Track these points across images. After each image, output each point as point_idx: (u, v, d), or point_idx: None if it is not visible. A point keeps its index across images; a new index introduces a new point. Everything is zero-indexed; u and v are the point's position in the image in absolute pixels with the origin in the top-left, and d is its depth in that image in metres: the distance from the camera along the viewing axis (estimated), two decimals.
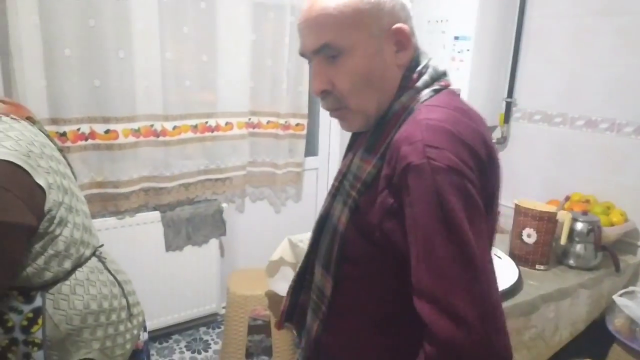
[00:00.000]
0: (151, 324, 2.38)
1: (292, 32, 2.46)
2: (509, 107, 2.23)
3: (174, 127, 2.23)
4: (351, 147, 0.94)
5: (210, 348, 2.47)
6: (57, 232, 0.97)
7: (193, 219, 2.38)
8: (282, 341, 2.23)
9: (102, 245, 1.16)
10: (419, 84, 0.81)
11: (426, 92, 0.80)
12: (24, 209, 0.88)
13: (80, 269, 1.04)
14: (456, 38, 2.14)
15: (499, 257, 1.69)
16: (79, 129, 1.99)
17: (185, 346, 2.46)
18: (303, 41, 0.83)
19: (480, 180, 0.71)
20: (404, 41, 0.81)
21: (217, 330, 2.62)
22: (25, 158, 0.89)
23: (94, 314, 1.04)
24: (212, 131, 2.39)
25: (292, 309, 1.02)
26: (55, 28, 1.86)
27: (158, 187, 2.25)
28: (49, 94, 1.93)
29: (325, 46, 0.79)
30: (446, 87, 0.83)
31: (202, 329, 2.61)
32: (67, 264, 1.00)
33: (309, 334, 0.91)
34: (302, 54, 0.85)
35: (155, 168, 2.22)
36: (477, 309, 0.66)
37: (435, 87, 0.81)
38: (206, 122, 2.36)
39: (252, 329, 2.38)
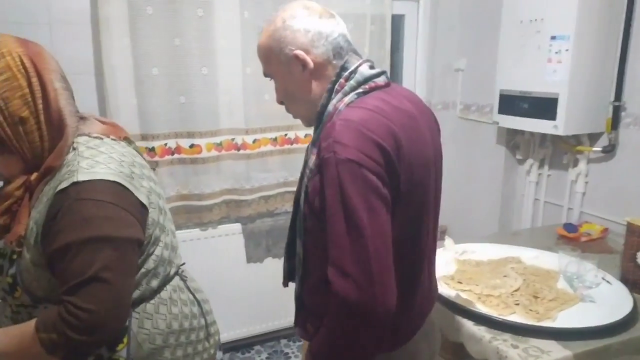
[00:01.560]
0: (234, 334, 2.41)
1: (372, 41, 2.40)
2: (617, 111, 1.98)
3: (254, 141, 2.25)
4: None
5: None
6: (151, 250, 0.98)
7: (272, 231, 2.39)
8: None
9: (183, 264, 1.17)
10: (346, 88, 0.98)
11: (351, 96, 0.97)
12: (137, 225, 0.91)
13: (164, 288, 1.04)
14: (553, 38, 1.95)
15: (608, 282, 1.49)
16: (166, 144, 2.08)
17: (267, 358, 2.47)
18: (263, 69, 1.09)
19: (387, 169, 0.89)
20: (303, 62, 0.99)
21: (298, 343, 2.59)
22: (129, 179, 0.92)
23: (175, 333, 1.04)
24: (291, 144, 2.38)
25: (292, 272, 1.18)
26: (144, 48, 1.96)
27: (239, 199, 2.28)
28: (139, 111, 2.03)
29: (265, 72, 1.08)
30: (373, 88, 0.99)
31: (283, 342, 2.60)
32: (154, 283, 1.01)
33: (295, 292, 1.13)
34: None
35: (237, 181, 2.26)
36: (364, 270, 0.85)
37: (360, 90, 0.98)
38: (285, 135, 2.36)
39: None
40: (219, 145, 2.18)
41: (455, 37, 2.69)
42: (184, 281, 1.13)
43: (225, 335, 2.38)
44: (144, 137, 2.05)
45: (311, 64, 0.99)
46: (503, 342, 1.21)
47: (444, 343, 1.43)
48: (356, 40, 2.41)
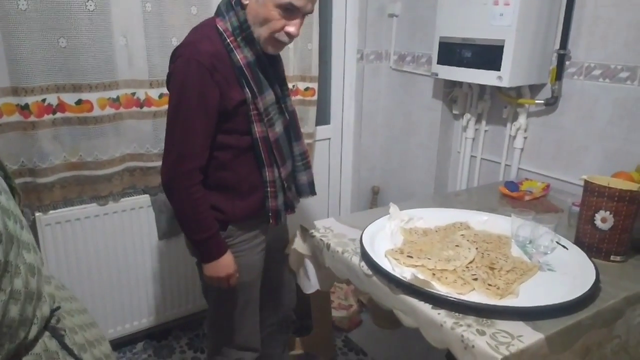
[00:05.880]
0: (148, 321, 2.11)
1: None
2: (561, 60, 1.85)
3: (161, 95, 1.87)
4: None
5: None
6: None
7: None
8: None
9: (58, 308, 0.73)
10: None
11: None
12: None
13: None
14: None
15: (564, 247, 1.36)
16: (44, 100, 1.65)
17: (187, 344, 2.19)
18: (305, 4, 1.25)
19: None
20: None
21: None
22: None
23: None
24: None
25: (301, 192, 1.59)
26: None
27: (145, 166, 1.92)
28: (7, 58, 1.58)
29: (311, 11, 1.30)
30: None
31: (206, 323, 2.33)
32: None
33: (308, 179, 1.59)
34: (293, 8, 1.24)
35: (141, 144, 1.89)
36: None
37: None
38: None
39: None
40: (115, 101, 1.78)
41: None
42: (60, 338, 0.70)
43: (137, 324, 2.08)
44: (14, 91, 1.61)
45: None
46: (467, 327, 1.03)
47: (378, 312, 1.25)
48: None
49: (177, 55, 1.26)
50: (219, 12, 1.32)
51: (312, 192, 1.57)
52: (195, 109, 1.24)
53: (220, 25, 1.28)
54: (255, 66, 1.30)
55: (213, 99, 1.25)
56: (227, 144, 1.33)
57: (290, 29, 1.26)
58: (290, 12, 1.24)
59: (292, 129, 1.46)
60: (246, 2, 1.27)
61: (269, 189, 1.40)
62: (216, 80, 1.24)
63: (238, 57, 1.27)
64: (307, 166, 1.53)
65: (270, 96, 1.33)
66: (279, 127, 1.38)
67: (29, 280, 0.63)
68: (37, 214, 1.75)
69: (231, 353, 1.53)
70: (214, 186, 1.35)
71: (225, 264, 1.37)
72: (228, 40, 1.27)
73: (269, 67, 1.34)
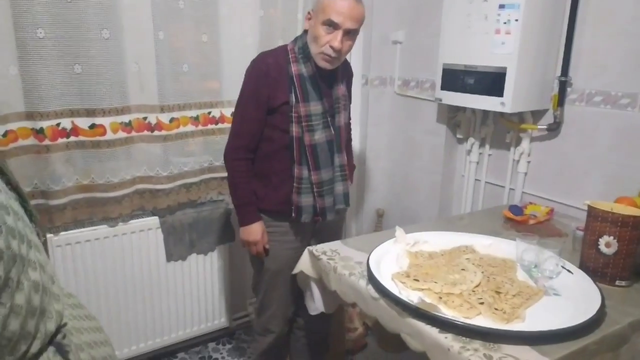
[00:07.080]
0: (154, 343, 2.11)
1: (306, 8, 2.14)
2: (563, 87, 1.89)
3: (171, 120, 1.92)
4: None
5: None
6: None
7: (197, 224, 2.09)
8: None
9: (64, 325, 0.72)
10: None
11: None
12: None
13: None
14: (501, 7, 1.80)
15: (569, 271, 1.38)
16: (58, 124, 1.69)
17: None
18: (343, 21, 1.48)
19: None
20: None
21: (228, 346, 2.34)
22: None
23: None
24: (216, 123, 2.08)
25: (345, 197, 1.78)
26: (25, 4, 1.55)
27: (155, 189, 1.95)
28: (23, 83, 1.63)
29: (352, 29, 1.53)
30: None
31: (211, 345, 2.34)
32: None
33: (344, 192, 1.75)
34: (333, 24, 1.49)
35: (151, 167, 1.92)
36: None
37: None
38: (209, 113, 2.05)
39: None
40: (127, 126, 1.83)
41: (393, 6, 2.49)
42: (64, 354, 0.70)
43: (143, 346, 2.08)
44: (29, 116, 1.65)
45: None
46: (474, 352, 1.04)
47: (384, 335, 1.26)
48: (288, 6, 2.14)
49: (251, 61, 1.62)
50: (294, 39, 1.64)
51: (346, 203, 1.74)
52: (248, 100, 1.58)
53: (290, 46, 1.61)
54: (305, 78, 1.57)
55: (263, 94, 1.56)
56: (270, 137, 1.61)
57: (333, 43, 1.50)
58: (332, 27, 1.49)
59: (337, 142, 1.66)
60: (307, 28, 1.58)
61: (295, 185, 1.60)
62: (268, 83, 1.55)
63: (293, 69, 1.56)
64: (345, 178, 1.71)
65: (316, 107, 1.58)
66: (319, 136, 1.60)
67: (32, 297, 0.64)
68: (48, 235, 1.77)
69: (257, 329, 1.83)
70: (257, 174, 1.65)
71: (253, 231, 1.64)
72: (290, 56, 1.58)
73: (323, 83, 1.61)
